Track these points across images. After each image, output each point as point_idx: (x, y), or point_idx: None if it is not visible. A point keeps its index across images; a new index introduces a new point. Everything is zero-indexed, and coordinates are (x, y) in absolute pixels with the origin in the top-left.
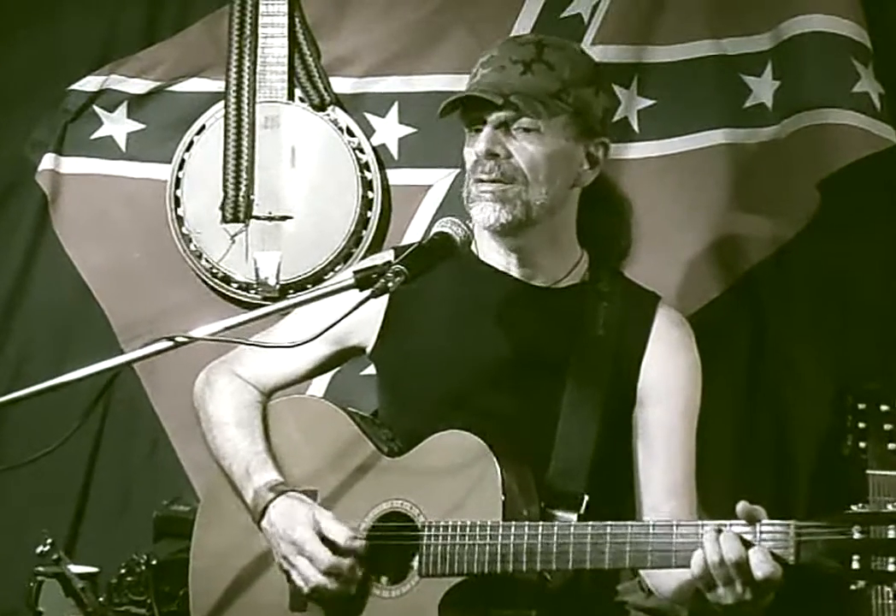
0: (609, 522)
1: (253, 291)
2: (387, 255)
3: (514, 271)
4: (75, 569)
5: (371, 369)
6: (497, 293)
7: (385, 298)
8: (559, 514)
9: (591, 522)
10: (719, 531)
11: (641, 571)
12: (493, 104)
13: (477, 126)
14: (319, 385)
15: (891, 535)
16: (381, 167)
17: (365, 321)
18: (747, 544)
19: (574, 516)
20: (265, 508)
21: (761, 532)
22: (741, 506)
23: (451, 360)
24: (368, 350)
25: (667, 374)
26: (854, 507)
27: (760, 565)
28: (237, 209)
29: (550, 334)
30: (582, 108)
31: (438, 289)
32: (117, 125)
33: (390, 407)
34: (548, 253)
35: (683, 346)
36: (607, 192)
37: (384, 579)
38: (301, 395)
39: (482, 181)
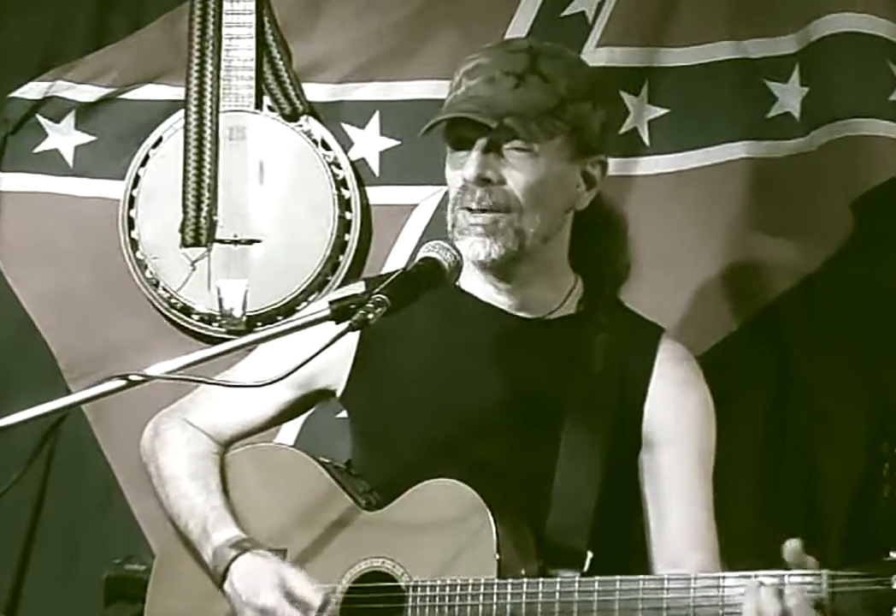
0: (618, 577)
1: (216, 324)
2: (361, 287)
3: (502, 302)
4: None
5: None
6: (483, 327)
7: (356, 334)
8: (560, 573)
9: (597, 577)
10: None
11: None
12: (485, 127)
13: (462, 146)
14: (290, 430)
15: None
16: (361, 184)
17: (334, 361)
18: (785, 602)
19: (577, 576)
20: (226, 569)
21: (791, 583)
22: (791, 544)
23: (433, 403)
24: (339, 393)
25: (674, 415)
26: (893, 555)
27: None
28: (198, 232)
29: (544, 372)
30: (579, 125)
31: (415, 323)
32: (64, 137)
33: (365, 456)
34: (540, 283)
35: (690, 383)
36: (601, 211)
37: None
38: (266, 442)
39: (471, 211)
